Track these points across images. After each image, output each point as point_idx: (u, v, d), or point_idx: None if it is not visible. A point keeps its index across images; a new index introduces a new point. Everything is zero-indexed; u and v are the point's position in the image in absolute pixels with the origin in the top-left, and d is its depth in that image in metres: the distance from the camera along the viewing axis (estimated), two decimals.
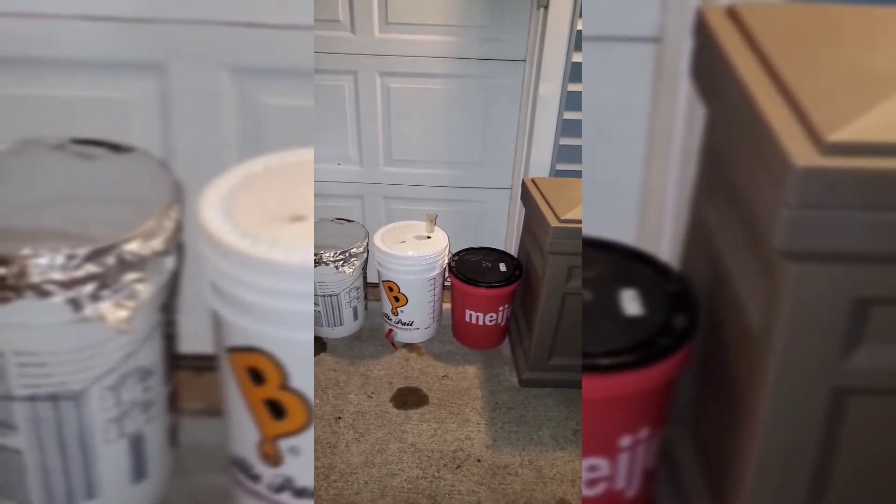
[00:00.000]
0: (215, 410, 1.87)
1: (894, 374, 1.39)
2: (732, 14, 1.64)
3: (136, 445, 1.80)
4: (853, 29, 1.57)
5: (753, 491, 1.51)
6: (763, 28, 1.56)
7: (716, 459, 1.72)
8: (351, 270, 3.16)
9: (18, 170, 1.78)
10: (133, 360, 1.69)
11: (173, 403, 1.91)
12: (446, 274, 3.28)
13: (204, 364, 2.04)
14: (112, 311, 1.57)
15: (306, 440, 1.61)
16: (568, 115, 3.03)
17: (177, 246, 1.66)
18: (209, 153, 2.06)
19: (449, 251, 3.29)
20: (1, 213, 1.61)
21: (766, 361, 1.41)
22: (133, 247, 1.57)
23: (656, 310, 1.64)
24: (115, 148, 1.87)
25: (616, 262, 1.81)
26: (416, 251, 3.15)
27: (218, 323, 1.62)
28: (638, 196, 2.33)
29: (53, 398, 1.63)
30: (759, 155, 1.36)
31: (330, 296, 3.24)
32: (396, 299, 3.23)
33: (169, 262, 1.68)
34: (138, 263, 1.59)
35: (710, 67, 1.65)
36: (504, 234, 3.70)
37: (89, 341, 1.61)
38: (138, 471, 1.83)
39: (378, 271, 3.29)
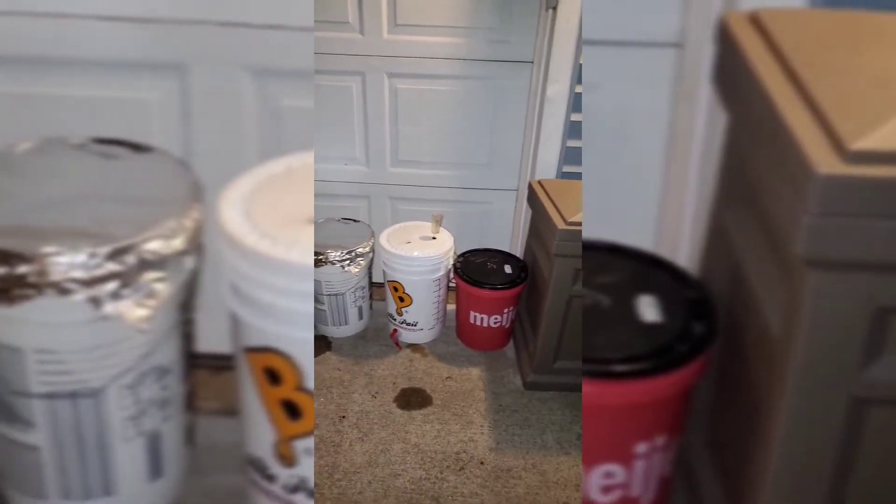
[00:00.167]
0: (231, 410, 1.87)
1: None
2: (754, 20, 1.64)
3: (153, 444, 1.80)
4: (876, 36, 1.57)
5: (771, 499, 1.50)
6: (785, 34, 1.55)
7: (733, 467, 1.71)
8: (357, 270, 3.17)
9: (41, 168, 1.78)
10: (151, 359, 1.69)
11: (190, 402, 1.91)
12: (451, 275, 3.26)
13: (221, 363, 2.04)
14: (132, 309, 1.58)
15: None
16: (575, 117, 3.03)
17: (196, 246, 1.65)
18: (229, 153, 2.06)
19: (454, 252, 3.27)
20: (23, 212, 1.61)
21: (786, 369, 1.40)
22: (153, 246, 1.58)
23: (674, 316, 1.64)
24: (136, 147, 1.87)
25: (634, 267, 1.81)
26: (421, 252, 3.15)
27: (236, 323, 1.62)
28: (656, 202, 2.32)
29: (72, 396, 1.63)
30: (781, 162, 1.36)
31: (335, 295, 3.25)
32: (401, 299, 3.23)
33: (188, 262, 1.68)
34: (158, 263, 1.59)
35: (731, 73, 1.64)
36: (509, 236, 3.71)
37: (108, 339, 1.61)
38: (155, 469, 1.83)
39: (383, 271, 3.30)
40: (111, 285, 1.54)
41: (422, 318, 3.31)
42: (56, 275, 1.49)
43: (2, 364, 1.61)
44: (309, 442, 1.64)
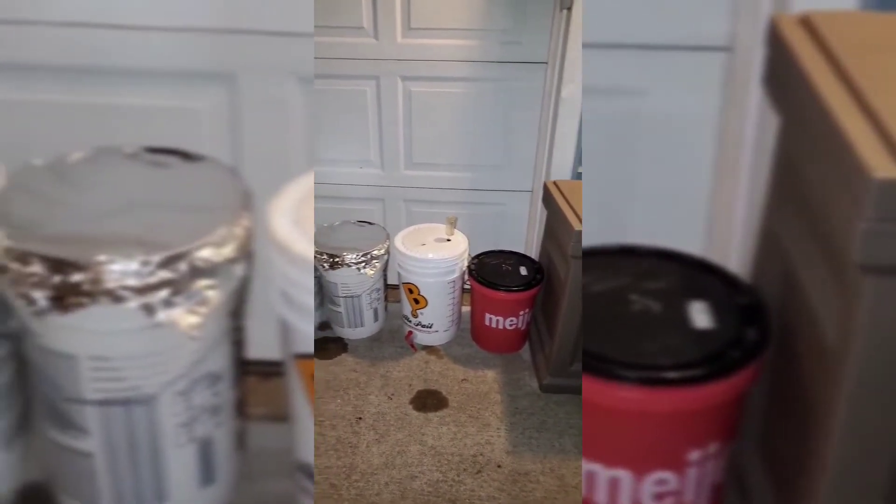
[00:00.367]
0: (281, 416, 1.88)
1: None
2: (805, 22, 1.63)
3: (205, 450, 1.81)
4: None
5: None
6: (837, 37, 1.55)
7: (786, 475, 1.71)
8: (372, 272, 3.18)
9: (94, 177, 1.79)
10: (203, 366, 1.70)
11: (241, 408, 1.92)
12: (466, 277, 3.26)
13: (270, 370, 2.05)
14: (184, 317, 1.59)
15: None
16: None
17: (246, 253, 1.66)
18: (278, 162, 2.06)
19: (469, 254, 3.29)
20: (77, 220, 1.62)
21: (841, 378, 1.39)
22: (205, 254, 1.59)
23: (726, 322, 1.63)
24: (187, 156, 1.88)
25: (685, 273, 1.80)
26: (436, 254, 3.17)
27: (286, 330, 1.63)
28: (706, 206, 2.33)
29: (125, 402, 1.65)
30: (836, 166, 1.35)
31: (351, 297, 3.26)
32: (416, 301, 3.24)
33: (239, 269, 1.69)
34: (210, 270, 1.60)
35: (783, 76, 1.64)
36: (524, 238, 3.71)
37: (161, 347, 1.62)
38: (206, 475, 1.84)
39: (398, 273, 3.30)
40: (163, 293, 1.55)
41: (437, 320, 3.32)
42: (109, 283, 1.50)
43: (56, 371, 1.62)
44: None
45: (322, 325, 3.55)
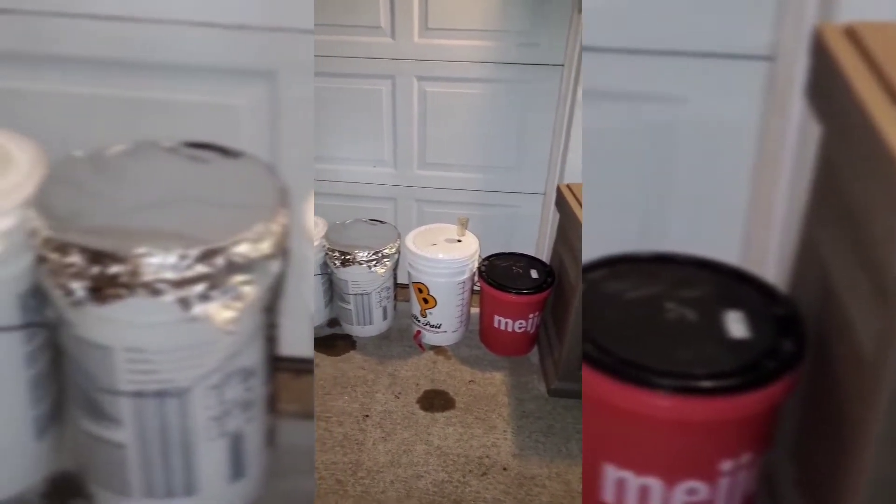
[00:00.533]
0: (310, 413, 1.88)
1: None
2: (850, 33, 1.62)
3: (236, 445, 1.82)
4: None
5: None
6: (883, 47, 1.53)
7: (820, 487, 1.70)
8: (383, 271, 3.19)
9: (133, 171, 1.80)
10: (237, 361, 1.71)
11: (272, 404, 1.93)
12: (476, 278, 3.26)
13: (300, 367, 2.05)
14: (219, 311, 1.59)
15: None
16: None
17: (282, 250, 1.66)
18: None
19: (479, 255, 3.29)
20: (115, 213, 1.63)
21: (878, 394, 1.37)
22: (242, 249, 1.59)
23: (762, 333, 1.63)
24: (226, 152, 1.88)
25: (721, 282, 1.80)
26: (446, 254, 3.17)
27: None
28: (744, 216, 2.33)
29: (159, 395, 1.65)
30: (879, 177, 1.33)
31: (361, 295, 3.27)
32: (426, 301, 3.24)
33: (274, 266, 1.69)
34: (246, 266, 1.60)
35: (827, 87, 1.63)
36: (536, 240, 3.70)
37: (196, 340, 1.63)
38: (236, 470, 1.85)
39: (408, 272, 3.30)
40: (200, 287, 1.55)
41: (446, 320, 3.32)
42: (147, 275, 1.50)
43: (91, 362, 1.63)
44: None
45: (331, 322, 3.56)
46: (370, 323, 3.40)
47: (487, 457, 2.58)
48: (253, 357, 1.76)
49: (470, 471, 2.48)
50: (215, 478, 1.82)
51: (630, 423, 1.60)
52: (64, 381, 1.81)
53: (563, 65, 3.18)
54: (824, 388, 1.67)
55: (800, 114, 2.12)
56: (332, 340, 3.40)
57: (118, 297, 1.52)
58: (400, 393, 2.98)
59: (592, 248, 1.88)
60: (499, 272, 3.22)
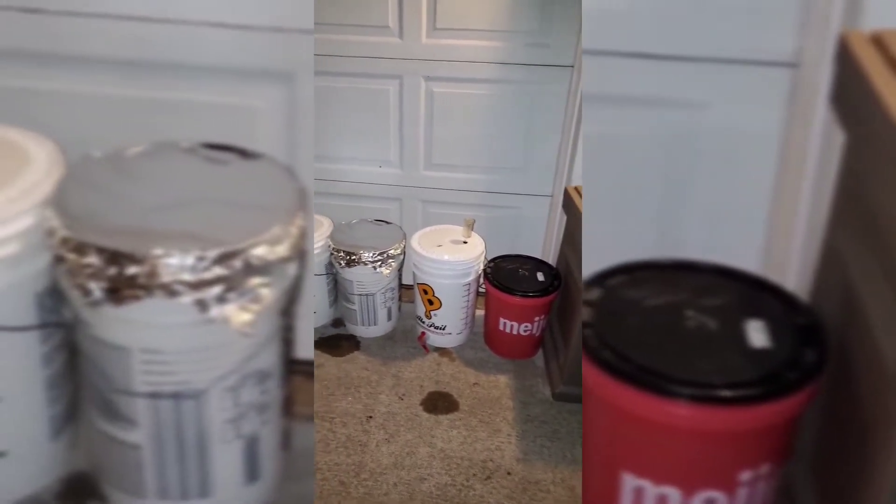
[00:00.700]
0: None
1: None
2: (877, 40, 1.61)
3: (251, 447, 1.81)
4: None
5: None
6: None
7: (840, 498, 1.69)
8: (388, 271, 3.18)
9: (151, 171, 1.79)
10: (253, 363, 1.70)
11: (288, 407, 1.92)
12: (481, 280, 3.25)
13: (309, 369, 2.04)
14: (236, 313, 1.58)
15: None
16: None
17: (299, 252, 1.65)
18: None
19: (485, 257, 3.28)
20: (133, 213, 1.61)
21: None
22: (260, 251, 1.58)
23: (783, 342, 1.61)
24: (244, 153, 1.88)
25: (742, 291, 1.79)
26: (452, 255, 3.16)
27: None
28: (765, 224, 2.32)
29: (175, 396, 1.64)
30: None
31: (366, 295, 3.26)
32: (430, 302, 3.23)
33: (292, 268, 1.68)
34: (264, 268, 1.59)
35: (851, 94, 1.62)
36: (542, 243, 3.68)
37: (213, 342, 1.62)
38: (251, 472, 1.84)
39: (413, 273, 3.29)
40: (217, 289, 1.54)
41: (450, 322, 3.31)
42: (165, 277, 1.49)
43: (107, 362, 1.62)
44: None
45: (335, 322, 3.55)
46: (374, 324, 3.39)
47: (491, 460, 2.56)
48: (269, 360, 1.76)
49: (474, 474, 2.47)
50: (230, 480, 1.81)
51: (649, 432, 1.59)
52: (79, 382, 1.81)
53: (572, 66, 3.16)
54: (845, 398, 1.66)
55: (823, 121, 2.11)
56: (337, 341, 3.39)
57: (135, 298, 1.51)
58: (404, 394, 2.97)
59: (608, 255, 1.86)
60: (504, 274, 3.21)
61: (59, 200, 1.62)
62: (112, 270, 1.50)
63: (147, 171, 1.79)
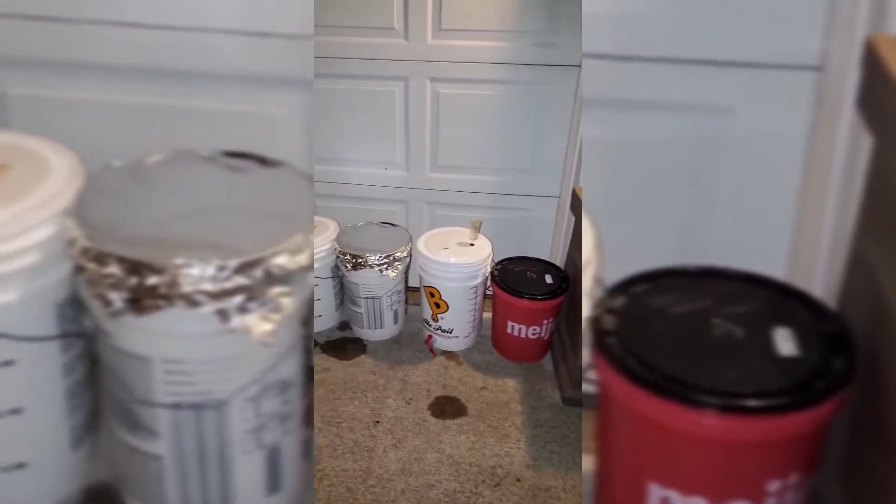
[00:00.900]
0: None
1: None
2: None
3: (273, 457, 1.80)
4: None
5: None
6: None
7: None
8: (394, 274, 3.16)
9: (171, 180, 1.78)
10: (274, 373, 1.68)
11: (308, 417, 1.90)
12: (489, 283, 3.23)
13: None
14: (258, 323, 1.57)
15: None
16: None
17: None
18: None
19: (492, 259, 3.25)
20: (154, 222, 1.61)
21: None
22: (280, 261, 1.56)
23: (811, 350, 1.60)
24: (264, 161, 1.87)
25: (768, 298, 1.77)
26: (458, 258, 3.13)
27: None
28: (791, 229, 2.31)
29: (196, 407, 1.63)
30: None
31: (372, 298, 3.24)
32: (437, 305, 3.21)
33: (312, 278, 1.66)
34: (284, 277, 1.58)
35: (879, 97, 1.60)
36: (550, 245, 3.65)
37: (234, 352, 1.61)
38: (273, 483, 1.83)
39: (420, 276, 3.27)
40: (238, 299, 1.53)
41: (457, 325, 3.28)
42: (186, 286, 1.48)
43: (128, 372, 1.61)
44: None
45: (342, 325, 3.53)
46: (381, 327, 3.38)
47: (500, 467, 2.54)
48: (290, 369, 1.74)
49: (483, 481, 2.45)
50: (252, 491, 1.80)
51: (675, 442, 1.58)
52: (100, 392, 1.80)
53: (579, 66, 3.13)
54: (874, 407, 1.65)
55: (850, 125, 2.10)
56: (343, 344, 3.38)
57: (156, 308, 1.50)
58: (411, 399, 2.94)
59: (631, 261, 1.84)
60: (512, 277, 3.19)
61: (79, 210, 1.61)
62: (133, 280, 1.49)
63: (167, 179, 1.78)
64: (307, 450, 1.89)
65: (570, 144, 3.30)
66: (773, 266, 1.87)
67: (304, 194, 1.69)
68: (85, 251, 1.52)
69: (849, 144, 2.12)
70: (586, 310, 1.80)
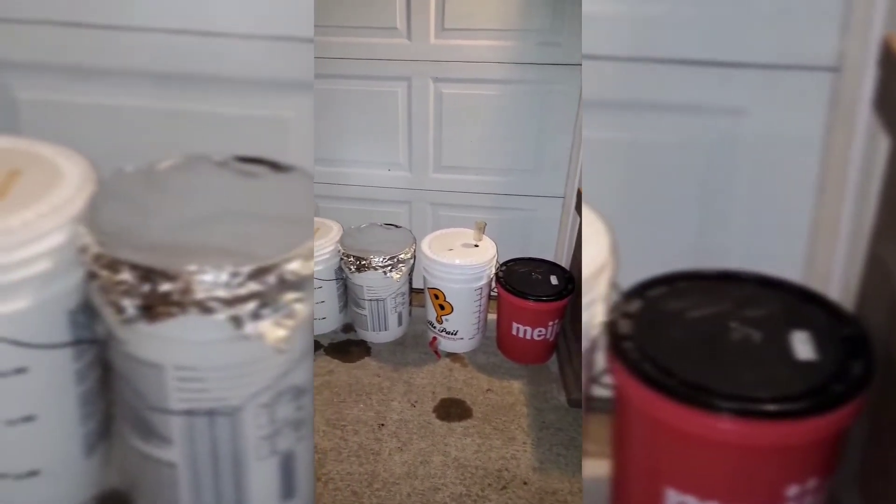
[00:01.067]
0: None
1: None
2: None
3: (287, 464, 1.79)
4: None
5: None
6: None
7: None
8: (398, 276, 3.15)
9: (184, 185, 1.77)
10: (288, 379, 1.67)
11: None
12: (493, 284, 3.22)
13: None
14: (271, 329, 1.56)
15: None
16: None
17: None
18: None
19: (497, 261, 3.24)
20: (166, 228, 1.60)
21: None
22: (294, 266, 1.55)
23: (829, 354, 1.59)
24: (277, 166, 1.86)
25: (785, 301, 1.76)
26: (463, 259, 3.12)
27: None
28: (807, 232, 2.30)
29: (210, 413, 1.62)
30: None
31: (376, 300, 3.23)
32: (442, 307, 3.20)
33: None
34: (298, 283, 1.57)
35: None
36: (554, 245, 3.63)
37: (247, 359, 1.60)
38: (287, 489, 1.82)
39: (424, 278, 3.26)
40: (252, 305, 1.52)
41: (462, 327, 3.27)
42: (199, 293, 1.47)
43: (141, 379, 1.60)
44: None
45: (345, 328, 3.52)
46: (385, 329, 3.36)
47: (507, 470, 2.52)
48: (304, 375, 1.73)
49: (489, 484, 2.43)
50: (266, 497, 1.79)
51: (692, 447, 1.56)
52: (112, 399, 1.80)
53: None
54: (892, 409, 1.65)
55: (867, 126, 2.09)
56: (347, 346, 3.37)
57: (170, 315, 1.49)
58: (416, 401, 2.93)
59: (645, 264, 1.83)
60: (517, 278, 3.17)
61: (91, 216, 1.60)
62: (145, 287, 1.48)
63: (179, 185, 1.77)
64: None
65: (575, 144, 3.28)
66: (789, 269, 1.86)
67: (315, 199, 1.67)
68: (97, 258, 1.51)
69: (865, 146, 2.10)
70: (586, 310, 1.78)
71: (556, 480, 2.49)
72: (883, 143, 1.74)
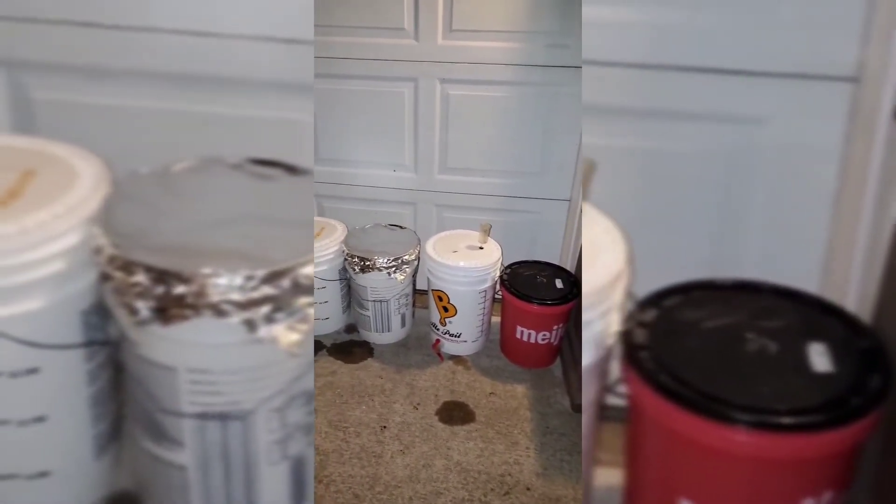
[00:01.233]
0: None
1: None
2: None
3: (298, 468, 1.78)
4: None
5: None
6: None
7: None
8: (402, 277, 3.14)
9: (199, 187, 1.76)
10: (300, 383, 1.66)
11: None
12: (498, 287, 3.20)
13: None
14: (285, 333, 1.55)
15: None
16: None
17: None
18: None
19: (501, 263, 3.23)
20: (181, 231, 1.59)
21: None
22: (308, 270, 1.54)
23: (846, 367, 1.58)
24: (291, 169, 1.85)
25: (802, 312, 1.75)
26: (467, 262, 3.10)
27: None
28: (825, 243, 2.29)
29: (222, 417, 1.61)
30: None
31: (380, 301, 3.22)
32: (445, 309, 3.18)
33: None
34: (312, 287, 1.56)
35: None
36: (560, 248, 3.62)
37: (260, 362, 1.59)
38: (298, 494, 1.81)
39: (428, 279, 3.24)
40: (265, 309, 1.51)
41: (466, 329, 3.26)
42: (213, 296, 1.46)
43: (154, 382, 1.59)
44: None
45: (348, 328, 3.51)
46: (388, 330, 3.35)
47: (510, 475, 2.51)
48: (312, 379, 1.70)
49: (492, 489, 2.42)
50: (277, 501, 1.78)
51: (707, 458, 1.56)
52: (124, 400, 1.79)
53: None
54: None
55: (886, 137, 2.07)
56: (350, 347, 3.36)
57: (183, 317, 1.48)
58: (419, 404, 2.92)
59: (661, 274, 1.82)
60: (522, 281, 3.16)
61: (105, 217, 1.59)
62: (160, 289, 1.47)
63: (194, 187, 1.76)
64: None
65: (581, 147, 3.24)
66: (806, 280, 1.86)
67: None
68: (112, 259, 1.50)
69: (885, 157, 2.09)
70: (600, 319, 1.77)
71: (560, 486, 2.47)
72: None
